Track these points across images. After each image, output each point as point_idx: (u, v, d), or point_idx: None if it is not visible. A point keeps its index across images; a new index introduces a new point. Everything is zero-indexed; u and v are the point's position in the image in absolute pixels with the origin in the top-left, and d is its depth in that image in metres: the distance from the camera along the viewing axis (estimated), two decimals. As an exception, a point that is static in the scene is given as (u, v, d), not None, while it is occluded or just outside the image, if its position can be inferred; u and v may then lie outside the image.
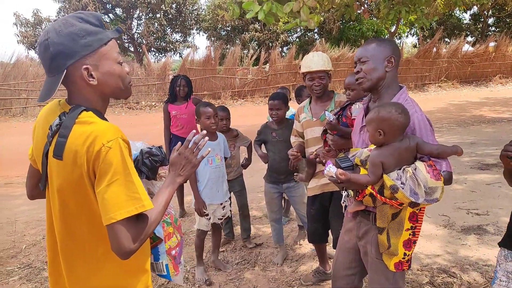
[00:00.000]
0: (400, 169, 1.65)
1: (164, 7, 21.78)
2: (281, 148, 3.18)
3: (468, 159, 6.43)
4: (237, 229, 3.95)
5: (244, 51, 20.98)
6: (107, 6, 21.73)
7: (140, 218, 1.17)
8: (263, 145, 3.41)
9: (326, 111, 2.55)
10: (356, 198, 1.79)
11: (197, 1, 23.78)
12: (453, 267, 3.11)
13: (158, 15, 22.55)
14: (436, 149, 1.65)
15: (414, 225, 1.72)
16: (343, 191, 1.86)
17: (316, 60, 2.68)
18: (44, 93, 1.17)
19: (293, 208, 3.51)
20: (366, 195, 1.74)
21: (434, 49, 20.02)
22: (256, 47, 22.04)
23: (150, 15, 22.57)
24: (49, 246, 1.33)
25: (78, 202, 1.19)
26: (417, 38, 24.98)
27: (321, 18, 19.85)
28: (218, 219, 3.19)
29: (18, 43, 20.11)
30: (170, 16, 22.88)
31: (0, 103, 14.70)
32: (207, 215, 3.06)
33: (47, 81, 1.17)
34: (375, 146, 1.75)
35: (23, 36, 19.68)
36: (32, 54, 20.04)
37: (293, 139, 3.01)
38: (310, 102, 2.86)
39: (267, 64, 18.49)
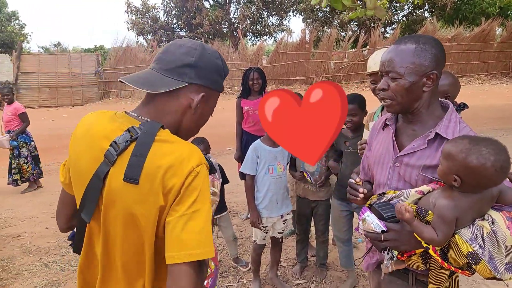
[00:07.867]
0: (471, 224, 1.18)
1: (262, -10, 21.64)
2: (354, 160, 2.66)
3: None
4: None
5: (342, 33, 19.85)
6: (208, -9, 22.42)
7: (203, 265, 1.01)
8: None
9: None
10: (398, 256, 1.32)
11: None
12: None
13: (255, -1, 22.49)
14: None
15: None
16: (385, 252, 1.34)
17: (379, 58, 2.09)
18: (149, 83, 1.04)
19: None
20: (415, 254, 1.29)
21: None
22: (356, 28, 20.69)
23: (248, -1, 22.64)
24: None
25: (146, 234, 1.01)
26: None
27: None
28: (278, 232, 2.86)
29: (128, 30, 22.09)
30: (267, -1, 22.63)
31: (112, 86, 16.34)
32: (265, 227, 2.76)
33: (157, 76, 1.06)
34: (435, 189, 1.26)
35: (133, 23, 21.48)
36: (141, 40, 21.84)
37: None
38: (382, 109, 2.30)
39: (367, 46, 17.21)
